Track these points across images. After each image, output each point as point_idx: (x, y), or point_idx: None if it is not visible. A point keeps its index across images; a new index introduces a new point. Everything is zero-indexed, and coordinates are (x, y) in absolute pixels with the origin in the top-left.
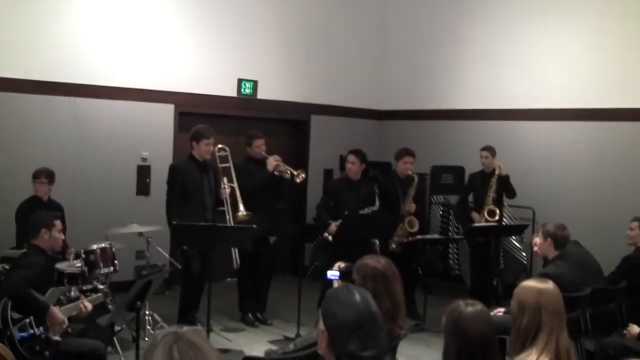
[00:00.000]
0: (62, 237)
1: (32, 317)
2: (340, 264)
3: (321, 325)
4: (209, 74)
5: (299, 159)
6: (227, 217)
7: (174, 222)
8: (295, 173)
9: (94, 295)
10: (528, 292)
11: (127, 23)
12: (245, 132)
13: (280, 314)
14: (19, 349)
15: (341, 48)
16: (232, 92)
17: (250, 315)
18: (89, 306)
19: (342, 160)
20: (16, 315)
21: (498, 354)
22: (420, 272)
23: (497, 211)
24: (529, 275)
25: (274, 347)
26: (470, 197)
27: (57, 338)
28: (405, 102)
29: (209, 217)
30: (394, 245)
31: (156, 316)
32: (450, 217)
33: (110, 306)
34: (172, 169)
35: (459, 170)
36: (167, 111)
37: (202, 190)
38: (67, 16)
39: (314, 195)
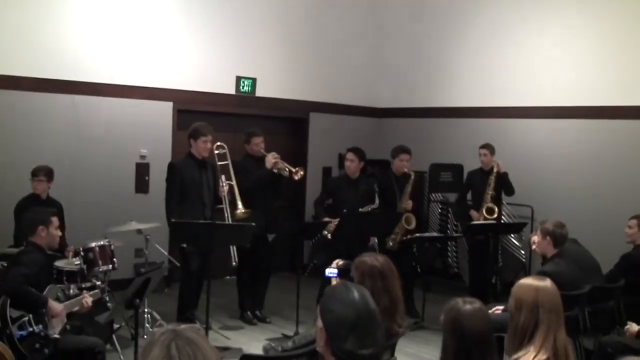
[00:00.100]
0: (59, 234)
1: (31, 315)
2: (339, 262)
3: (319, 323)
4: (207, 72)
5: (297, 157)
6: (226, 214)
7: (173, 220)
8: (293, 170)
9: (92, 292)
10: (525, 290)
11: (126, 21)
12: (244, 129)
13: (278, 312)
14: (18, 347)
15: (340, 46)
16: (230, 90)
17: (248, 313)
18: (90, 300)
19: (341, 158)
20: (15, 314)
21: (496, 351)
22: (419, 270)
23: (496, 209)
24: (527, 273)
25: (272, 344)
26: (469, 195)
27: (56, 336)
28: (404, 100)
29: (207, 214)
30: (390, 243)
31: (155, 314)
32: (449, 215)
33: (109, 304)
34: (171, 167)
35: (457, 168)
36: (165, 109)
37: (200, 188)
38: (67, 14)
39: (312, 193)
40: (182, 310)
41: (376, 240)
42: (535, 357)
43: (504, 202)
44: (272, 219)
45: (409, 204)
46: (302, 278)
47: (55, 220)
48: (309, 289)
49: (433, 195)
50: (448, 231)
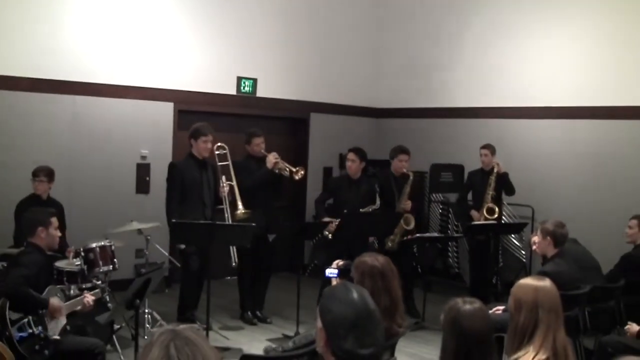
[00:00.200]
0: (59, 234)
1: (30, 317)
2: (339, 262)
3: (319, 323)
4: (208, 72)
5: (298, 157)
6: (226, 215)
7: (174, 220)
8: (294, 170)
9: (93, 291)
10: (525, 290)
11: (126, 21)
12: (244, 130)
13: (279, 312)
14: (17, 349)
15: (340, 47)
16: (231, 90)
17: (249, 313)
18: (91, 299)
19: (342, 158)
20: (15, 316)
21: (496, 351)
22: (419, 270)
23: (496, 209)
24: (528, 273)
25: (273, 345)
26: (470, 195)
27: (56, 337)
28: (405, 100)
29: (208, 214)
30: (389, 244)
31: (155, 314)
32: (450, 215)
33: (109, 304)
34: (172, 167)
35: (458, 169)
36: (166, 109)
37: (201, 188)
38: (66, 14)
39: (313, 193)
40: (182, 310)
41: (375, 240)
42: (534, 357)
43: (504, 202)
44: (273, 219)
45: (407, 204)
46: (303, 278)
47: (54, 220)
48: (309, 289)
49: (434, 195)
50: (449, 231)
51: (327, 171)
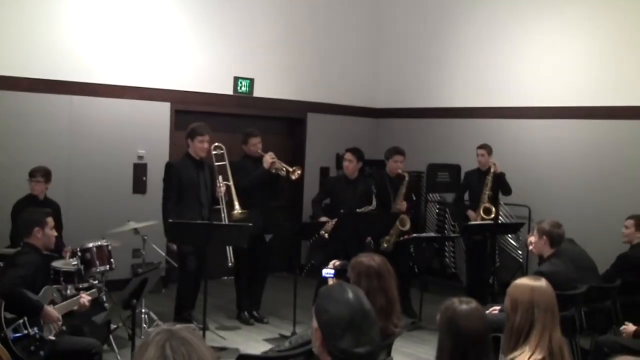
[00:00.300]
0: (55, 234)
1: (26, 318)
2: (336, 262)
3: (315, 323)
4: (205, 72)
5: (295, 157)
6: (223, 215)
7: (170, 220)
8: (290, 170)
9: (89, 291)
10: (521, 290)
11: (123, 21)
12: (241, 130)
13: (276, 312)
14: (13, 350)
15: (337, 46)
16: (228, 90)
17: (246, 313)
18: (87, 299)
19: (339, 158)
20: (10, 316)
21: (492, 351)
22: (416, 270)
23: (493, 209)
24: (525, 273)
25: (270, 347)
26: (466, 195)
27: (51, 337)
28: (402, 100)
29: (205, 214)
30: (385, 245)
31: (152, 314)
32: (446, 215)
33: (106, 304)
34: (168, 167)
35: (455, 168)
36: (163, 109)
37: (198, 188)
38: (63, 14)
39: (310, 193)
40: (179, 310)
41: (371, 240)
42: (530, 356)
43: (501, 202)
44: (270, 219)
45: (403, 205)
46: (300, 278)
47: (50, 220)
48: (306, 289)
49: (430, 195)
50: (445, 231)
51: (324, 171)
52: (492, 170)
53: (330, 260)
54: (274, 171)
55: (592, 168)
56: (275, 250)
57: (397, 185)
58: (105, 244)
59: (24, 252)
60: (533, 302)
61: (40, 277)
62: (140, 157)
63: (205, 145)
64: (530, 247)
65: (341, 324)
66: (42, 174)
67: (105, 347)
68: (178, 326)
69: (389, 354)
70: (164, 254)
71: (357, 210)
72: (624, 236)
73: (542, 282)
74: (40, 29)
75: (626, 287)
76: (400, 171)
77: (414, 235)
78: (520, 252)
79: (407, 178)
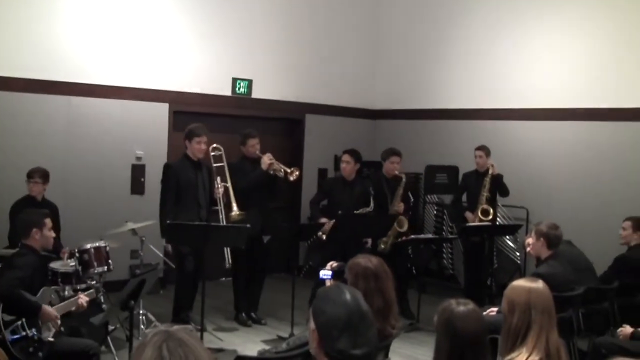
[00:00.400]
0: (53, 235)
1: (24, 319)
2: (333, 263)
3: (312, 325)
4: (203, 73)
5: (293, 158)
6: (220, 216)
7: (168, 222)
8: (288, 171)
9: (87, 292)
10: (518, 292)
11: (121, 22)
12: (240, 131)
13: (274, 313)
14: (11, 351)
15: (335, 48)
16: (226, 91)
17: (243, 314)
18: (85, 300)
19: (337, 160)
20: (8, 318)
21: (489, 353)
22: (414, 271)
23: (491, 211)
24: (522, 275)
25: (267, 347)
26: (464, 197)
27: (50, 339)
28: (400, 101)
29: (203, 216)
30: (382, 246)
31: (150, 315)
32: (444, 217)
33: (104, 305)
34: (166, 168)
35: (453, 170)
36: (161, 110)
37: (196, 189)
38: (61, 14)
39: (308, 194)
40: (177, 311)
41: (369, 241)
42: (527, 358)
43: (499, 204)
44: (268, 221)
45: (400, 206)
46: (298, 279)
47: (48, 221)
48: (304, 291)
49: (428, 196)
50: (443, 233)
51: (322, 172)
52: (490, 171)
53: (328, 262)
54: (272, 172)
55: (590, 170)
56: (273, 251)
57: (394, 187)
58: (103, 245)
59: (21, 253)
60: (530, 303)
61: (38, 278)
62: (139, 158)
63: (203, 146)
64: (528, 249)
65: (338, 325)
66: (40, 175)
67: (103, 348)
68: (175, 327)
69: (386, 355)
70: (162, 255)
71: (355, 211)
72: (622, 238)
73: (539, 284)
74: (37, 29)
75: (624, 289)
76: (397, 172)
77: (412, 236)
78: (518, 254)
79: (404, 179)
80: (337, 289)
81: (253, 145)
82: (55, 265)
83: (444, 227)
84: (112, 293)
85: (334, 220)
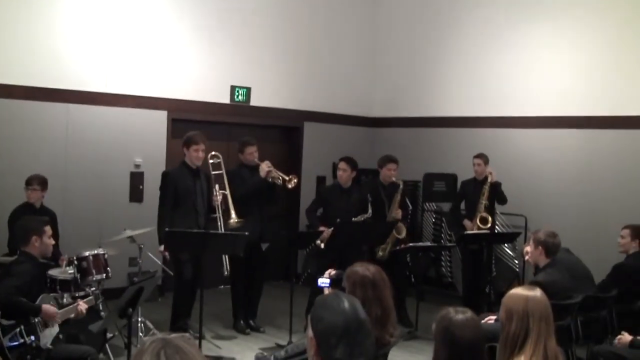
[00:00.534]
0: (53, 242)
1: (22, 327)
2: (331, 271)
3: (310, 332)
4: (202, 81)
5: (291, 166)
6: (219, 224)
7: (167, 229)
8: (287, 178)
9: (86, 299)
10: (516, 300)
11: (120, 29)
12: (238, 138)
13: (272, 321)
14: (9, 358)
15: (334, 56)
16: (225, 99)
17: (242, 322)
18: (85, 307)
19: (335, 167)
20: (6, 323)
21: None
22: (412, 279)
23: (489, 219)
24: (521, 283)
25: (264, 353)
26: (463, 205)
27: (48, 346)
28: (398, 109)
29: (201, 223)
30: (381, 253)
31: (148, 323)
32: (443, 225)
33: (102, 312)
34: (165, 176)
35: (451, 178)
36: (160, 118)
37: (194, 197)
38: (60, 22)
39: (306, 202)
40: (175, 319)
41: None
42: None
43: (497, 212)
44: (266, 228)
45: (398, 213)
46: (296, 287)
47: (48, 229)
48: (302, 298)
49: (427, 204)
50: (442, 240)
51: (321, 180)
52: (488, 179)
53: (326, 270)
54: (270, 180)
55: (589, 177)
56: (271, 259)
57: (391, 194)
58: (101, 252)
59: (20, 261)
60: (527, 311)
61: (37, 286)
62: (137, 166)
63: (201, 154)
64: (526, 257)
65: (336, 333)
66: (38, 182)
67: (102, 355)
68: (173, 335)
69: None
70: (160, 262)
71: (353, 219)
72: (620, 246)
73: (537, 292)
74: (36, 37)
75: (622, 297)
76: (393, 179)
77: (411, 244)
78: (516, 262)
79: (401, 186)
80: (335, 297)
81: (251, 152)
82: (53, 272)
83: (443, 235)
84: (110, 300)
85: (332, 228)
